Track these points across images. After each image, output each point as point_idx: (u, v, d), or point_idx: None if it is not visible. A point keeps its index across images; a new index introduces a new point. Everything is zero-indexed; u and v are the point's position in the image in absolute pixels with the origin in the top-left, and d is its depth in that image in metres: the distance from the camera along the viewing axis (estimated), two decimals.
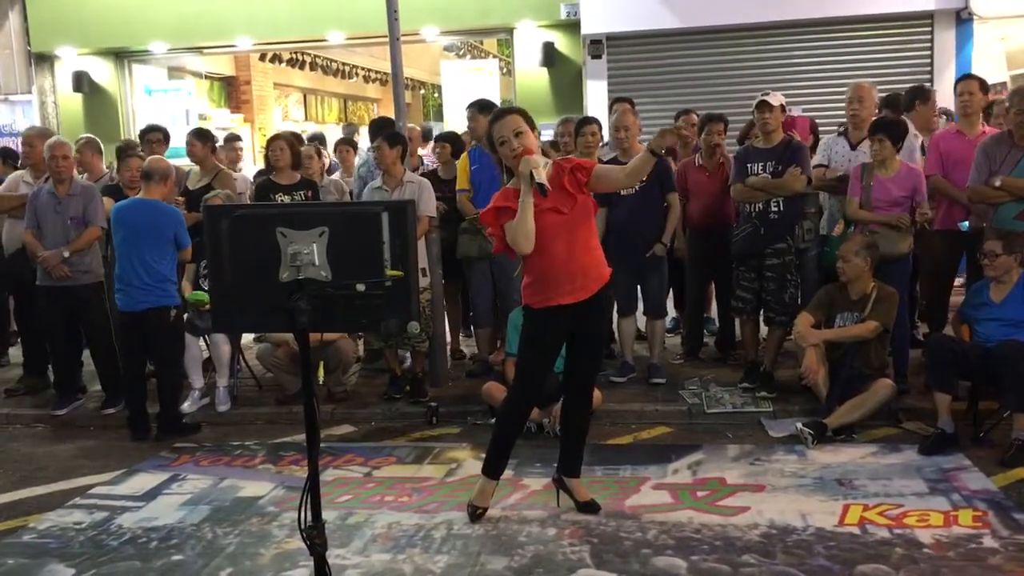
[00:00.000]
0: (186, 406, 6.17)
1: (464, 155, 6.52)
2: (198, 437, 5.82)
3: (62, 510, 4.65)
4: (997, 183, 5.31)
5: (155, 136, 7.46)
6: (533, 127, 4.01)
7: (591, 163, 4.11)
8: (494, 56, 16.80)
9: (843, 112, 6.36)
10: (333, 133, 13.60)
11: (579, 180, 3.95)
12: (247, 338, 6.92)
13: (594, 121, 6.50)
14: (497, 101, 10.08)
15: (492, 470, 4.30)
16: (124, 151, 7.35)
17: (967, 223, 5.88)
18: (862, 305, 5.39)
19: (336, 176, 8.26)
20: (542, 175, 3.78)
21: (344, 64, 16.58)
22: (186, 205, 7.02)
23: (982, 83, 6.05)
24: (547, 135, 8.53)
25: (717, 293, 6.96)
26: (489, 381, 5.81)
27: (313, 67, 15.28)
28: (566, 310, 3.98)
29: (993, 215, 5.45)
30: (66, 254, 6.02)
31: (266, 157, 6.95)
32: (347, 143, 8.70)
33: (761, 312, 6.07)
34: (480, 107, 6.46)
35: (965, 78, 6.15)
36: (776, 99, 5.83)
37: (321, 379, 6.26)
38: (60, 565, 4.00)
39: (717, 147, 6.53)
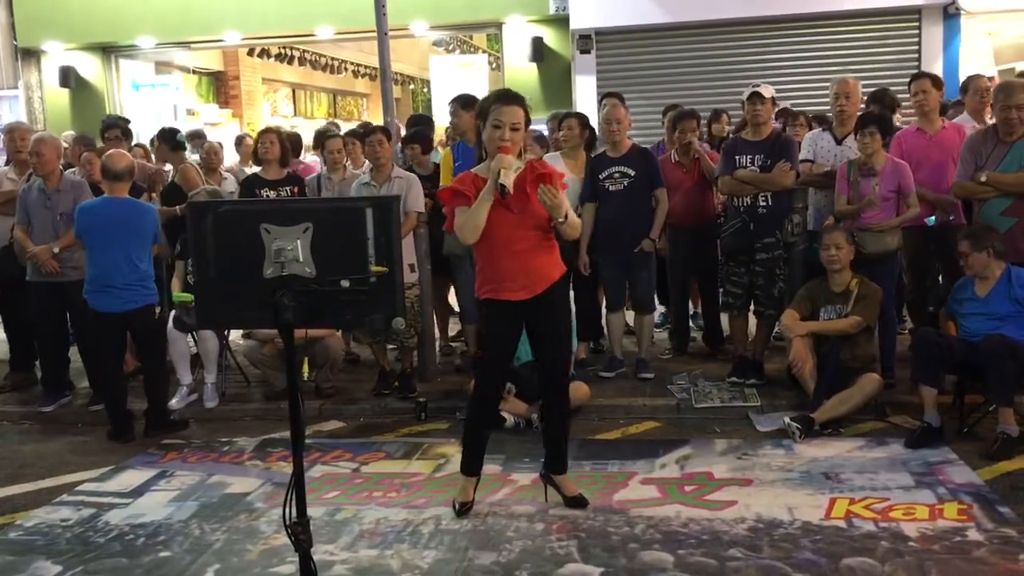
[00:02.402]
0: (174, 402, 6.15)
1: (447, 151, 6.52)
2: (186, 433, 5.80)
3: (49, 507, 4.64)
4: (983, 179, 5.33)
5: (113, 133, 7.42)
6: (528, 124, 4.02)
7: (560, 177, 4.05)
8: (483, 51, 16.78)
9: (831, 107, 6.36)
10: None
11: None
12: (235, 334, 6.90)
13: (575, 116, 6.49)
14: None
15: (468, 468, 4.31)
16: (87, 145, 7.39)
17: (933, 219, 5.92)
18: (845, 298, 5.42)
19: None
20: (509, 177, 3.77)
21: (333, 59, 16.56)
22: (161, 202, 7.02)
23: (935, 80, 6.15)
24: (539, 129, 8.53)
25: (700, 289, 6.98)
26: None
27: (302, 62, 15.26)
28: (514, 306, 4.00)
29: (980, 211, 5.47)
30: (56, 249, 5.99)
31: (255, 151, 6.92)
32: (356, 135, 8.46)
33: (751, 306, 6.09)
34: (463, 103, 6.42)
35: (918, 77, 6.23)
36: (768, 91, 5.83)
37: (305, 375, 6.21)
38: (47, 562, 3.98)
39: (690, 144, 6.54)
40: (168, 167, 7.62)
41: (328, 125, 12.05)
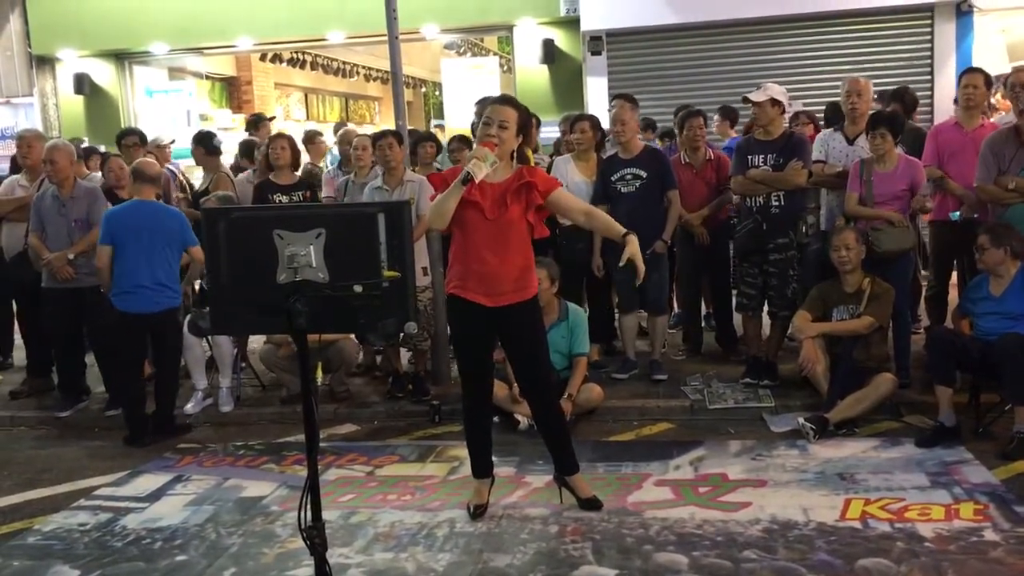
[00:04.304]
0: (189, 407, 6.19)
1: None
2: (201, 437, 5.83)
3: (67, 512, 4.67)
4: (1011, 185, 5.31)
5: (131, 140, 7.47)
6: (524, 127, 4.03)
7: (554, 184, 4.09)
8: (495, 53, 16.79)
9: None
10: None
11: (530, 199, 3.97)
12: (255, 338, 6.93)
13: (587, 118, 6.50)
14: None
15: (476, 470, 4.36)
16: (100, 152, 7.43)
17: (957, 213, 5.90)
18: (857, 298, 5.41)
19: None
20: (479, 168, 3.78)
21: (345, 63, 16.59)
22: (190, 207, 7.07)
23: (987, 77, 6.08)
24: (549, 131, 8.53)
25: (712, 290, 6.96)
26: None
27: (314, 66, 15.29)
28: (476, 308, 4.01)
29: (1003, 214, 5.45)
30: (71, 256, 6.04)
31: (266, 156, 6.95)
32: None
33: (764, 306, 6.08)
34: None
35: (970, 71, 6.17)
36: (761, 94, 5.76)
37: (319, 379, 6.25)
38: (65, 566, 4.02)
39: (699, 143, 6.53)
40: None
41: (338, 125, 12.08)
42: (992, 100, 8.01)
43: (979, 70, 6.22)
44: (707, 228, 6.52)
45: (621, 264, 3.95)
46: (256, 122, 8.60)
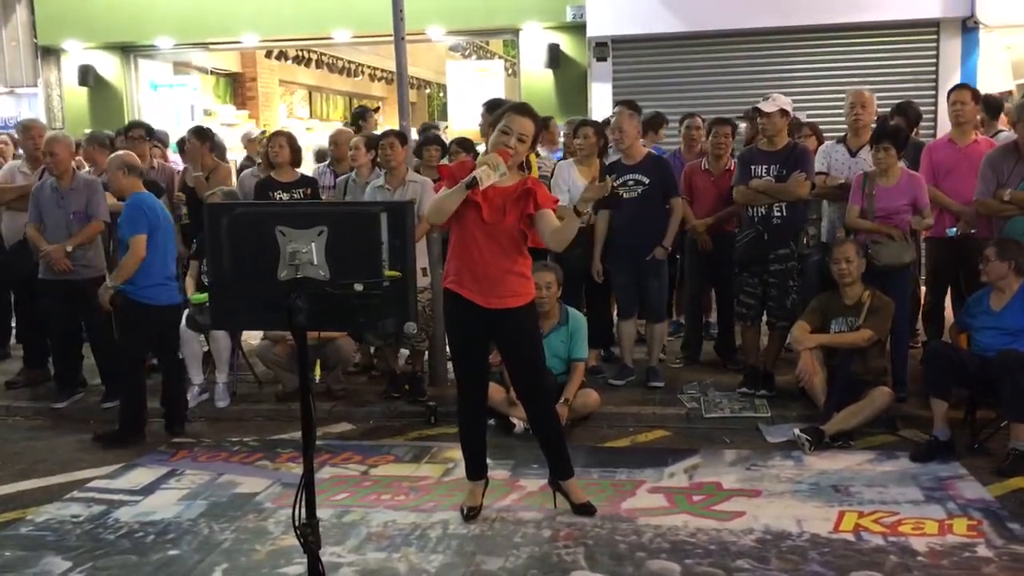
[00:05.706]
0: None
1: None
2: (196, 432, 5.82)
3: (60, 503, 4.67)
4: (1006, 197, 5.33)
5: (137, 132, 7.45)
6: (536, 139, 4.07)
7: (551, 202, 4.05)
8: (500, 57, 16.82)
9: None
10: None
11: (524, 206, 3.97)
12: (250, 334, 6.92)
13: (591, 124, 6.50)
14: None
15: (470, 472, 4.36)
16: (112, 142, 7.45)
17: (954, 229, 5.91)
18: (857, 311, 5.41)
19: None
20: (487, 176, 3.78)
21: (350, 62, 16.60)
22: (187, 202, 7.07)
23: (974, 93, 6.13)
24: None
25: (717, 299, 6.96)
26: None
27: (319, 65, 15.31)
28: (476, 309, 4.01)
29: (1003, 229, 5.46)
30: (69, 248, 6.02)
31: (266, 154, 6.96)
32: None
33: (763, 316, 6.08)
34: (490, 107, 6.47)
35: (958, 88, 6.21)
36: (771, 105, 5.78)
37: (317, 376, 6.24)
38: (57, 558, 4.01)
39: (723, 151, 6.53)
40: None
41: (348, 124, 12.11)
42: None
43: (966, 86, 6.29)
44: (713, 237, 6.51)
45: (573, 206, 3.89)
46: (363, 114, 8.57)
